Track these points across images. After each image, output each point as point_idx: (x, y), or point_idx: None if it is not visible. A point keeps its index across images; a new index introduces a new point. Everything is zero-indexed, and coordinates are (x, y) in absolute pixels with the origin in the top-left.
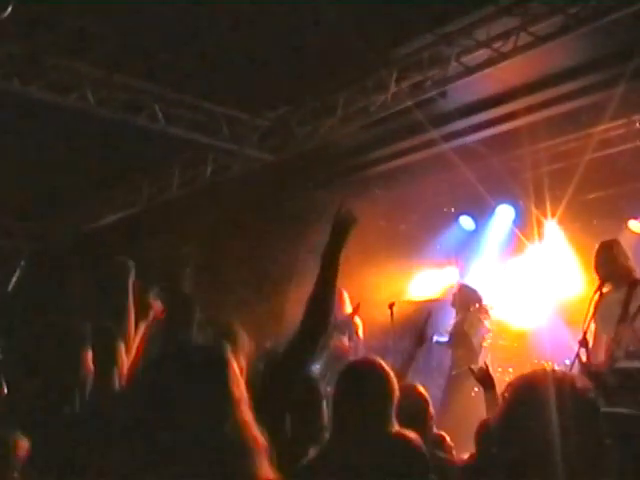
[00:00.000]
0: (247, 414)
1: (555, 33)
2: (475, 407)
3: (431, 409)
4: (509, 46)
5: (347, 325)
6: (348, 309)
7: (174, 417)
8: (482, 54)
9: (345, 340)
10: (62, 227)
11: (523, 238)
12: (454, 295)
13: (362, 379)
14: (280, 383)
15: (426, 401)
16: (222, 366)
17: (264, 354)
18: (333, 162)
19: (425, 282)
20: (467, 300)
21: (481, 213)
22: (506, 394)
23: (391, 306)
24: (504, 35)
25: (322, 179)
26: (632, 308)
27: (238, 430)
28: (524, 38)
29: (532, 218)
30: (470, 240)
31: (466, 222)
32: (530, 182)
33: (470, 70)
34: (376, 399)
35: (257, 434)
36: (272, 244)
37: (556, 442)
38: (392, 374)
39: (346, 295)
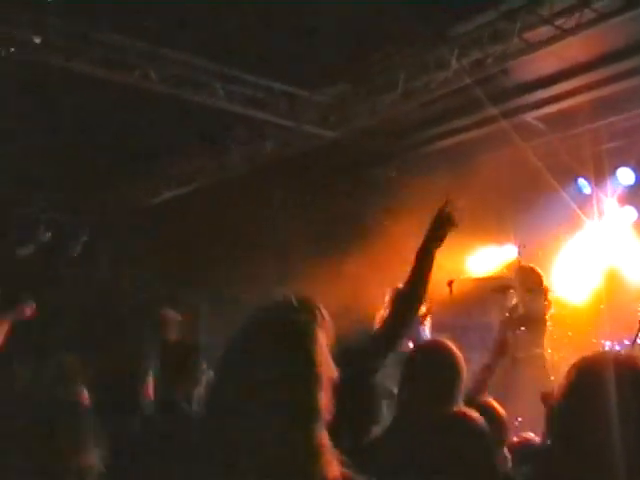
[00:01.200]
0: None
1: (618, 10)
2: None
3: (506, 430)
4: (572, 22)
5: (416, 327)
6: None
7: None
8: (544, 31)
9: (409, 344)
10: (119, 203)
11: (582, 215)
12: (514, 276)
13: (429, 359)
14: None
15: (503, 423)
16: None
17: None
18: (393, 139)
19: (484, 259)
20: (528, 281)
21: (540, 191)
22: (568, 378)
23: (450, 283)
24: (567, 11)
25: (382, 156)
26: None
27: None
28: (587, 14)
29: (592, 196)
30: (531, 217)
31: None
32: (590, 159)
33: (532, 47)
34: (443, 380)
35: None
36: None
37: (617, 428)
38: (459, 354)
39: None
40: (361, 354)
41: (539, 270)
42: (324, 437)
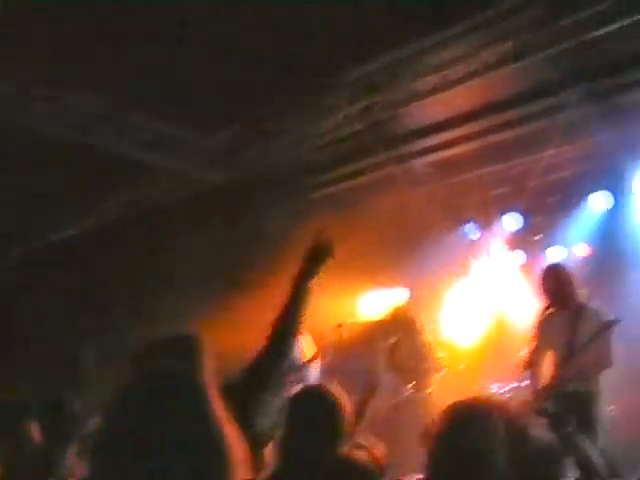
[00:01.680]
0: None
1: (504, 61)
2: None
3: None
4: (459, 73)
5: (304, 370)
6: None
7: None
8: (433, 79)
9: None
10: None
11: (471, 259)
12: (393, 317)
13: (313, 405)
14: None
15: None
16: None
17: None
18: (283, 184)
19: (374, 303)
20: (406, 323)
21: (428, 235)
22: (441, 419)
23: (339, 327)
24: (455, 61)
25: (272, 200)
26: (579, 334)
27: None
28: (474, 65)
29: (480, 240)
30: (419, 261)
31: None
32: (478, 205)
33: (420, 95)
34: (327, 425)
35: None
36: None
37: (485, 466)
38: (342, 398)
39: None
40: (235, 389)
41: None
42: None
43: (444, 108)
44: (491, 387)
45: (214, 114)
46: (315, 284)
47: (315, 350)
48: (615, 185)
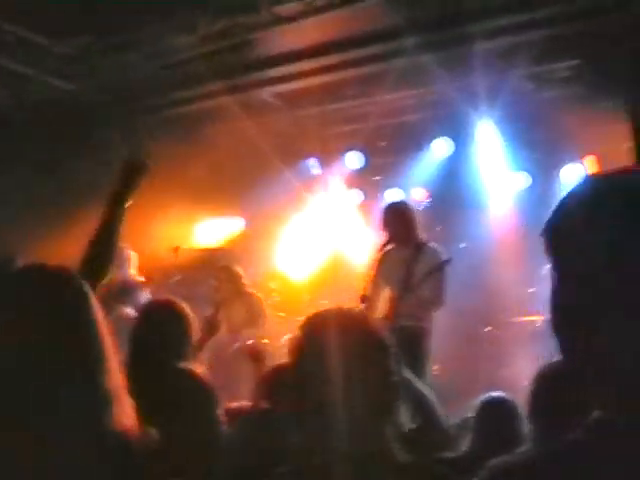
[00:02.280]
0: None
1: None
2: None
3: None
4: (323, 1)
5: (134, 292)
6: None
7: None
8: (294, 6)
9: (130, 311)
10: None
11: (307, 194)
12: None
13: (160, 318)
14: None
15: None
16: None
17: None
18: (133, 99)
19: (210, 230)
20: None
21: (269, 168)
22: (296, 336)
23: (176, 250)
24: None
25: (120, 115)
26: (417, 271)
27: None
28: None
29: (320, 177)
30: (258, 192)
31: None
32: (320, 141)
33: (280, 21)
34: (173, 337)
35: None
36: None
37: (346, 381)
38: (190, 315)
39: (134, 256)
40: None
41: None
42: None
43: (298, 38)
44: None
45: (69, 21)
46: (133, 205)
47: (149, 273)
48: (457, 132)
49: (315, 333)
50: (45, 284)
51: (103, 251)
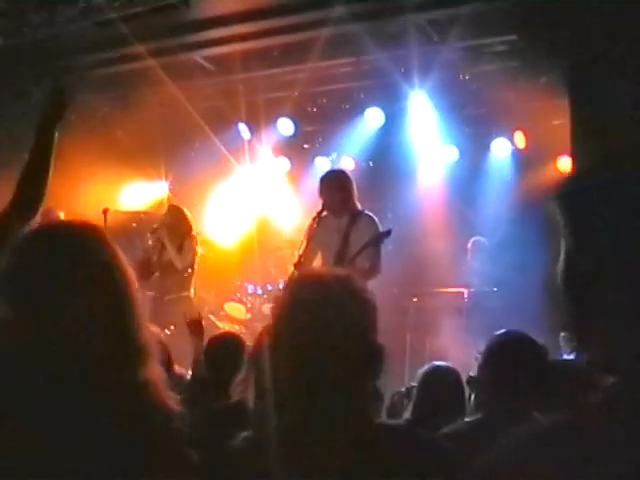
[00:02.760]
0: None
1: None
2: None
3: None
4: None
5: None
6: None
7: None
8: None
9: None
10: None
11: (234, 160)
12: (165, 215)
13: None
14: None
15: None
16: None
17: None
18: (66, 56)
19: (135, 194)
20: (179, 224)
21: (197, 133)
22: (284, 296)
23: (105, 212)
24: None
25: (48, 71)
26: (352, 240)
27: None
28: None
29: (245, 143)
30: (184, 157)
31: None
32: (249, 107)
33: None
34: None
35: None
36: None
37: (335, 342)
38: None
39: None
40: None
41: (189, 215)
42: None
43: (231, 2)
44: (248, 288)
45: None
46: (60, 166)
47: None
48: (389, 103)
49: (300, 294)
50: (73, 240)
51: (34, 184)
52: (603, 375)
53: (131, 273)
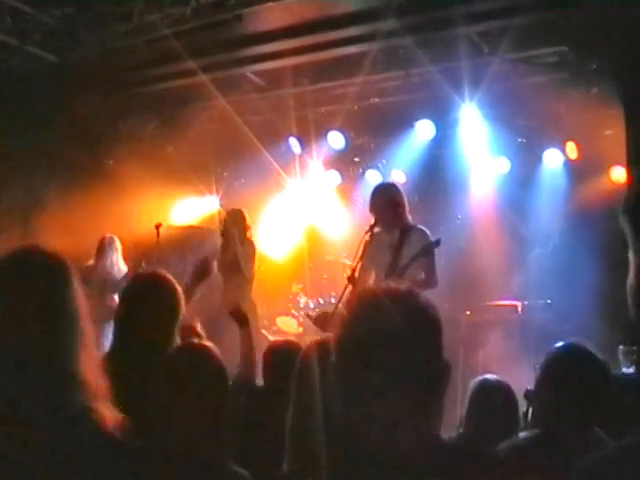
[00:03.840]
0: None
1: None
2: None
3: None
4: None
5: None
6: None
7: None
8: None
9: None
10: None
11: (285, 175)
12: (222, 222)
13: (149, 291)
14: None
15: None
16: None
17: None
18: (117, 73)
19: (187, 209)
20: (239, 221)
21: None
22: (347, 311)
23: (158, 227)
24: None
25: (103, 89)
26: (404, 255)
27: None
28: None
29: (296, 157)
30: (235, 172)
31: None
32: (295, 121)
33: None
34: (163, 312)
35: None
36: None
37: (401, 362)
38: (178, 287)
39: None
40: None
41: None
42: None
43: (281, 17)
44: (300, 300)
45: None
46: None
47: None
48: (440, 115)
49: (364, 312)
50: (28, 268)
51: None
52: None
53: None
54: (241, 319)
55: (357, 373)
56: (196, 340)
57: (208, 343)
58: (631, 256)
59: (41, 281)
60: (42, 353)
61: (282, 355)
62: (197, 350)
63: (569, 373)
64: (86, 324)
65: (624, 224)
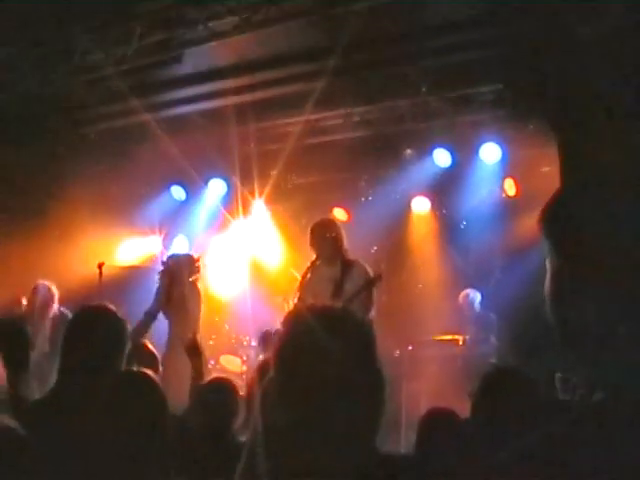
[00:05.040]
0: None
1: (302, 12)
2: None
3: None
4: (259, 17)
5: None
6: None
7: None
8: (229, 21)
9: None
10: None
11: (227, 215)
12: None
13: (92, 323)
14: None
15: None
16: None
17: None
18: (55, 114)
19: (130, 249)
20: (183, 269)
21: (194, 185)
22: (283, 326)
23: (100, 266)
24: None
25: (49, 130)
26: (345, 289)
27: None
28: (273, 12)
29: (238, 195)
30: (179, 211)
31: (177, 192)
32: (237, 160)
33: (217, 35)
34: (108, 341)
35: None
36: None
37: (336, 374)
38: (122, 318)
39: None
40: None
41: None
42: None
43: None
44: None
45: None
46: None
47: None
48: (457, 144)
49: (300, 325)
50: None
51: None
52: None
53: None
54: (195, 351)
55: (294, 384)
56: (135, 368)
57: (148, 371)
58: (547, 263)
59: None
60: None
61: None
62: (137, 375)
63: (496, 391)
64: None
65: (543, 233)
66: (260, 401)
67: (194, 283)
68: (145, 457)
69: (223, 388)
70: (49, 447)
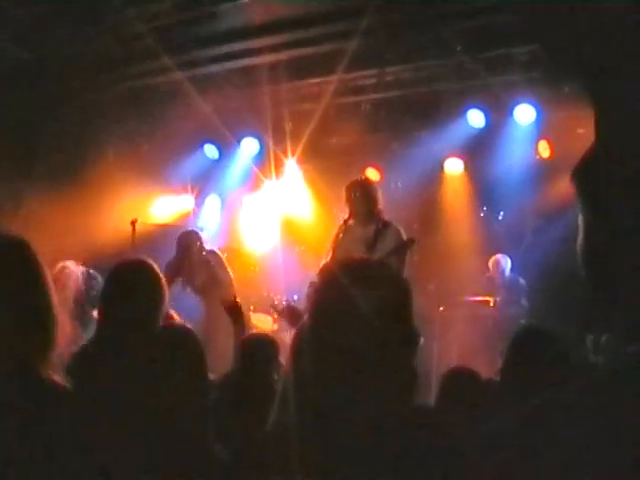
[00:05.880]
0: None
1: None
2: None
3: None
4: None
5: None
6: None
7: None
8: None
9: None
10: None
11: (260, 174)
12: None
13: (132, 278)
14: None
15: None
16: None
17: None
18: (89, 72)
19: (163, 207)
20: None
21: (227, 144)
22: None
23: (133, 223)
24: None
25: (77, 87)
26: (377, 250)
27: None
28: None
29: (270, 154)
30: (212, 170)
31: (210, 151)
32: (270, 120)
33: None
34: (148, 296)
35: None
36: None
37: (372, 323)
38: (161, 274)
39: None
40: None
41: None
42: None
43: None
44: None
45: None
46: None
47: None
48: (491, 105)
49: (336, 278)
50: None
51: None
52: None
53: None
54: (236, 314)
55: (328, 335)
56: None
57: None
58: (580, 220)
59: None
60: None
61: (256, 346)
62: (179, 329)
63: (528, 349)
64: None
65: (575, 189)
66: (294, 348)
67: (214, 253)
68: (186, 410)
69: (264, 342)
70: (90, 400)
